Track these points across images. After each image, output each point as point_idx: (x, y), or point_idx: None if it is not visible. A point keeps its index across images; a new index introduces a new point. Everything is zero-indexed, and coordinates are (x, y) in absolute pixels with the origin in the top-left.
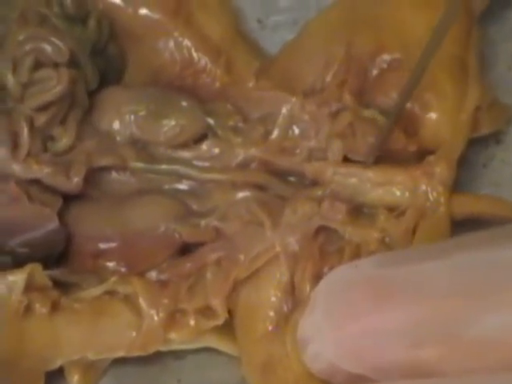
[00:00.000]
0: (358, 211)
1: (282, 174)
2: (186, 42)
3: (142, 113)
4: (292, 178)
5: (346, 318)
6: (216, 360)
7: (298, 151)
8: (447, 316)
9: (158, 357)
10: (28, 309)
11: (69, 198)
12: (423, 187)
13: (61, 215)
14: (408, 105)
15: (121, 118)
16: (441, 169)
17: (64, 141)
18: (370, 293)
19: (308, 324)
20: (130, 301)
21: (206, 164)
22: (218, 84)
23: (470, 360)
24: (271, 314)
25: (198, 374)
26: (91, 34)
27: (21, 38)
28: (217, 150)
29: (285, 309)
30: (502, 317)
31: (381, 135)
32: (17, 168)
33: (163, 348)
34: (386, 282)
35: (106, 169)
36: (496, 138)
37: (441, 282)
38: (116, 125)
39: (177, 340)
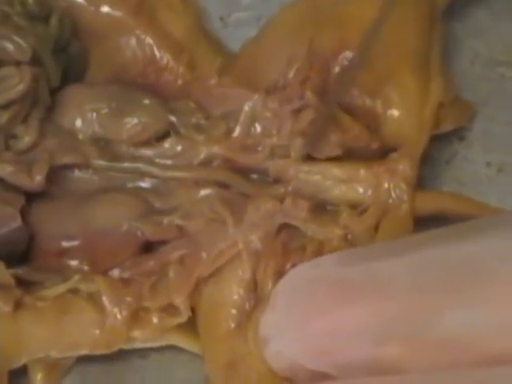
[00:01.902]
0: (321, 208)
1: (244, 172)
2: (148, 40)
3: (104, 111)
4: (255, 176)
5: (307, 317)
6: (179, 358)
7: (260, 149)
8: (409, 314)
9: (122, 355)
10: None
11: (31, 197)
12: (386, 184)
13: (23, 214)
14: (370, 102)
15: (83, 115)
16: (403, 166)
17: (26, 139)
18: (332, 291)
19: (269, 322)
20: (93, 299)
21: (169, 162)
22: (180, 81)
23: (431, 357)
24: (234, 311)
25: (161, 373)
26: (53, 32)
27: None
28: (179, 148)
29: (247, 306)
30: (462, 315)
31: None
32: None
33: (127, 346)
34: (348, 280)
35: (69, 167)
36: (459, 134)
37: (402, 280)
38: (78, 123)
39: (140, 338)
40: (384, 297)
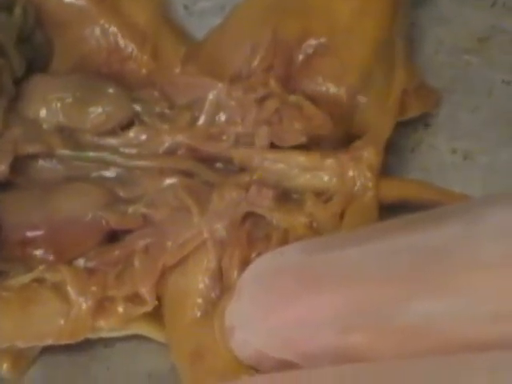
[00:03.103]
0: (286, 197)
1: (209, 161)
2: (112, 29)
3: (69, 100)
4: (219, 164)
5: (272, 306)
6: (145, 347)
7: (224, 137)
8: (375, 302)
9: (87, 345)
10: None
11: None
12: (351, 172)
13: None
14: (334, 89)
15: (47, 105)
16: (368, 153)
17: None
18: (296, 280)
19: (235, 311)
20: (58, 289)
21: (133, 151)
22: (144, 70)
23: (398, 346)
24: (199, 300)
25: (127, 362)
26: (17, 22)
27: None
28: (144, 137)
29: (213, 295)
30: (429, 303)
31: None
32: None
33: (92, 336)
34: (313, 268)
35: (33, 156)
36: (424, 122)
37: (368, 268)
38: (43, 112)
39: (105, 327)
40: (349, 285)
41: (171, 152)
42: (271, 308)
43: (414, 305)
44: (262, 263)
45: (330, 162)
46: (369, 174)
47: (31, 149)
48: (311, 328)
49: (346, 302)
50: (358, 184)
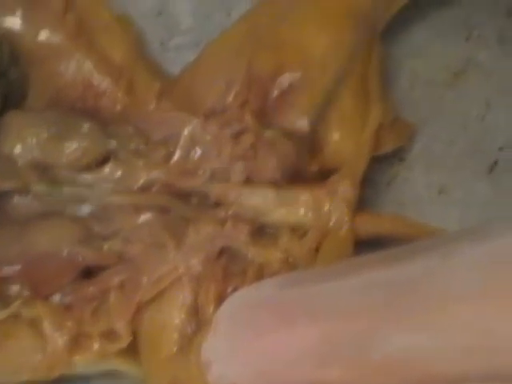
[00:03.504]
0: (262, 232)
1: (185, 196)
2: (88, 64)
3: (44, 136)
4: (195, 200)
5: (249, 341)
6: (122, 383)
7: (200, 173)
8: (350, 336)
9: (63, 381)
10: None
11: None
12: (326, 207)
13: None
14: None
15: (22, 141)
16: (344, 188)
17: None
18: (271, 314)
19: (211, 346)
20: (34, 324)
21: (109, 187)
22: (119, 106)
23: (374, 380)
24: (175, 336)
25: None
26: None
27: None
28: (119, 173)
29: (189, 330)
30: (404, 337)
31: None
32: None
33: (68, 371)
34: (288, 303)
35: (8, 193)
36: (399, 156)
37: (343, 303)
38: (18, 148)
39: (81, 363)
40: (324, 319)
41: (146, 188)
42: (246, 342)
43: (389, 339)
44: (238, 299)
45: (305, 196)
46: (344, 209)
47: (6, 185)
48: (286, 362)
49: (322, 336)
50: (334, 218)
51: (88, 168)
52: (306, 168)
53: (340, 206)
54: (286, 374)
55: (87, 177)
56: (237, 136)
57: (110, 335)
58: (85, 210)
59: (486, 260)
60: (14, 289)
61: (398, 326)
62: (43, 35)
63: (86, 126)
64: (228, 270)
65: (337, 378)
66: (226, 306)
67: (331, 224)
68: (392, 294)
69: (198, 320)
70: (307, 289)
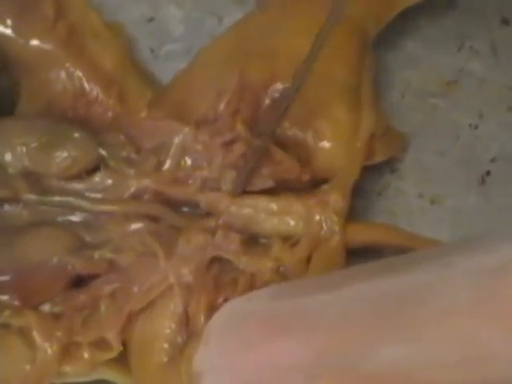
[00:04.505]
0: (253, 241)
1: (175, 205)
2: (78, 73)
3: (34, 144)
4: (186, 209)
5: (240, 353)
6: None
7: (191, 181)
8: (341, 348)
9: None
10: None
11: None
12: (318, 216)
13: None
14: (301, 134)
15: (13, 149)
16: (335, 197)
17: None
18: (262, 326)
19: (202, 357)
20: (23, 334)
21: (99, 195)
22: (110, 114)
23: None
24: (166, 345)
25: None
26: None
27: None
28: (110, 182)
29: (179, 340)
30: (395, 349)
31: (248, 163)
32: None
33: (58, 381)
34: (279, 315)
35: None
36: (391, 166)
37: (334, 314)
38: (8, 157)
39: (71, 373)
40: (316, 331)
41: (137, 196)
42: (238, 354)
43: (380, 351)
44: (230, 309)
45: (296, 206)
46: (335, 218)
47: None
48: (278, 374)
49: (312, 347)
50: (325, 228)
51: (78, 177)
52: (297, 177)
53: (331, 215)
54: None
55: (77, 185)
56: (228, 145)
57: (100, 344)
58: (75, 218)
59: (479, 272)
60: (4, 298)
61: (389, 338)
62: (34, 43)
63: (76, 135)
64: (219, 280)
65: None
66: (217, 317)
67: (322, 233)
68: (381, 307)
69: (189, 330)
70: (298, 300)
